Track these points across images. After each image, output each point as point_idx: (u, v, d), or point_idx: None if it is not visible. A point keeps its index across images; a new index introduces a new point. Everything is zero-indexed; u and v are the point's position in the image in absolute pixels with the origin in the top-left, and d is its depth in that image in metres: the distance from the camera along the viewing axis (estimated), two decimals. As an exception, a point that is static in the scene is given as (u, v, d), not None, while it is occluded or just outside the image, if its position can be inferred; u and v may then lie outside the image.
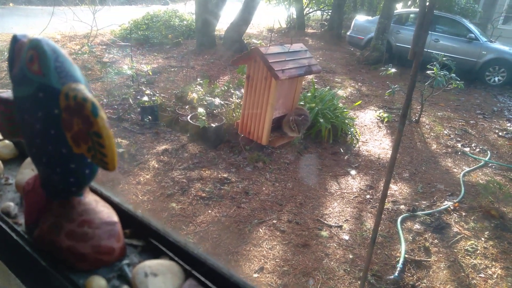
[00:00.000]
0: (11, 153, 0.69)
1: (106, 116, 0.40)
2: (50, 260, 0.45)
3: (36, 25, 7.36)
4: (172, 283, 0.41)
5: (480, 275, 2.60)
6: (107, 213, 0.48)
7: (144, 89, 4.86)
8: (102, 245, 0.45)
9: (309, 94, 4.71)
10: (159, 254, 0.47)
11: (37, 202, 0.49)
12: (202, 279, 0.42)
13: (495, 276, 2.60)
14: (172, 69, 6.48)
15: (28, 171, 0.59)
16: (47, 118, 0.42)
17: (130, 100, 4.54)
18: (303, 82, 3.50)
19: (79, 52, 6.22)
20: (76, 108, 0.40)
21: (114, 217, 0.48)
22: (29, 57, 0.42)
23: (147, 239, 0.49)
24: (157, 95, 4.82)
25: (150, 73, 5.34)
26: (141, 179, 3.25)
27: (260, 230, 2.80)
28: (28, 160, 0.62)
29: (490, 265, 2.70)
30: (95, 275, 0.43)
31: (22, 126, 0.47)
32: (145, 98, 4.42)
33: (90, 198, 0.49)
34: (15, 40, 0.47)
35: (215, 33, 8.56)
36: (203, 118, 3.81)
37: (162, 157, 3.64)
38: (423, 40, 1.06)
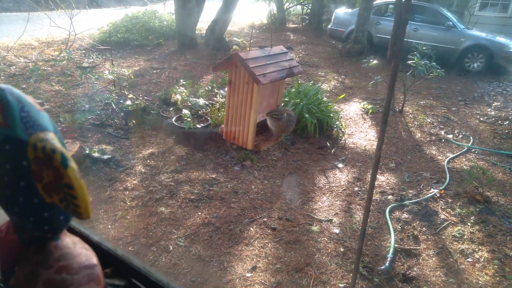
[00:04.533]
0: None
1: (77, 166, 0.38)
2: None
3: (11, 32, 7.19)
4: None
5: (468, 259, 2.66)
6: (86, 256, 0.47)
7: (126, 93, 4.80)
8: None
9: (293, 90, 4.72)
10: None
11: (11, 248, 0.47)
12: None
13: (482, 259, 2.66)
14: (154, 71, 6.41)
15: (2, 212, 0.57)
16: (15, 170, 0.41)
17: (113, 104, 4.47)
18: (287, 78, 3.53)
19: (58, 58, 6.10)
20: (45, 160, 0.38)
21: (93, 260, 0.47)
22: None
23: (128, 278, 0.48)
24: (140, 98, 4.77)
25: (132, 77, 5.27)
26: (128, 184, 3.22)
27: (251, 229, 2.81)
28: None
29: (477, 249, 2.76)
30: None
31: None
32: (128, 102, 4.36)
33: (67, 241, 0.48)
34: None
35: (196, 32, 8.49)
36: (188, 119, 3.79)
37: (148, 161, 3.61)
38: (401, 40, 1.07)
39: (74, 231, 0.53)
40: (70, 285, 0.44)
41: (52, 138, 0.40)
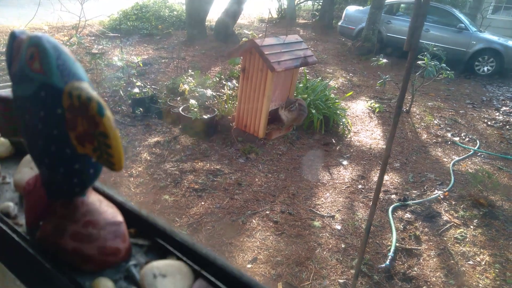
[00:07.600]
0: (7, 151, 0.68)
1: (112, 116, 0.39)
2: (54, 262, 0.45)
3: (22, 16, 7.20)
4: (181, 284, 0.41)
5: (469, 262, 2.66)
6: (112, 213, 0.47)
7: (134, 80, 4.80)
8: (107, 246, 0.44)
9: (301, 85, 4.71)
10: (166, 253, 0.47)
11: (38, 202, 0.47)
12: (212, 279, 0.41)
13: (483, 263, 2.66)
14: (163, 60, 6.41)
15: (26, 169, 0.57)
16: (49, 118, 0.41)
17: (121, 92, 4.48)
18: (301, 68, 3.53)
19: (68, 43, 6.10)
20: (81, 108, 0.39)
21: (119, 217, 0.47)
22: (30, 55, 0.41)
23: (153, 238, 0.49)
24: (148, 86, 4.77)
25: (141, 65, 5.28)
26: (134, 171, 3.24)
27: (254, 221, 2.82)
28: (26, 158, 0.60)
29: (478, 252, 2.76)
30: (102, 277, 0.43)
31: (23, 126, 0.45)
32: (136, 90, 4.37)
33: (93, 198, 0.48)
34: (13, 37, 0.44)
35: (206, 23, 8.47)
36: (195, 109, 3.79)
37: (154, 149, 3.62)
38: (419, 31, 1.06)
39: (98, 191, 0.53)
40: (97, 239, 0.44)
41: (88, 87, 0.40)
